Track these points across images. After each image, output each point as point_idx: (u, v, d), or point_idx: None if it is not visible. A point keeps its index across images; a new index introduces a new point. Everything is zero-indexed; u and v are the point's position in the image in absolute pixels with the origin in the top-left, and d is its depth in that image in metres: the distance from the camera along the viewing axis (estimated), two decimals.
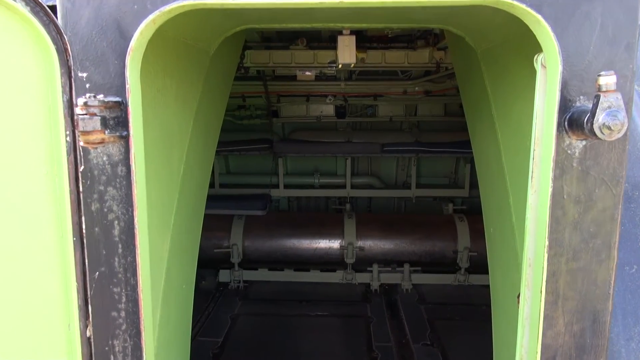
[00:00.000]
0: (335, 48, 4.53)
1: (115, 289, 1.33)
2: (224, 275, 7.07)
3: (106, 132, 1.26)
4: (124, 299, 1.32)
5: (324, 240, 6.79)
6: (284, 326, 5.84)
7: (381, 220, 7.06)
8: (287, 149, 6.87)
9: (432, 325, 5.83)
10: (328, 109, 7.33)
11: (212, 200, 7.14)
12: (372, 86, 6.71)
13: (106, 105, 1.25)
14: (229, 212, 6.87)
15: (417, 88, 6.63)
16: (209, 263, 7.03)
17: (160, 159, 1.91)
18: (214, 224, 6.96)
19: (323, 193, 7.54)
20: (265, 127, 7.52)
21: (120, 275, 1.31)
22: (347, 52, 4.31)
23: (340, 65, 4.79)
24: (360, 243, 6.72)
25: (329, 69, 6.03)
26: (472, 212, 7.47)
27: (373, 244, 6.76)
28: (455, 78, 6.48)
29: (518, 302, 1.37)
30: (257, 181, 7.60)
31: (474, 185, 7.59)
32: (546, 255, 1.21)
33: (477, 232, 6.74)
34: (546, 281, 1.21)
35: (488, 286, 6.84)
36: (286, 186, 7.53)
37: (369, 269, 6.84)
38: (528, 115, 1.94)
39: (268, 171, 7.47)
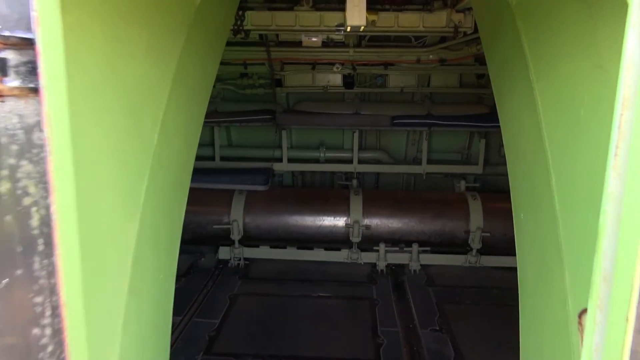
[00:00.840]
0: (343, 9, 4.08)
1: (36, 299, 0.98)
2: (223, 253, 6.77)
3: (11, 82, 0.89)
4: (48, 312, 0.97)
5: (329, 218, 6.45)
6: (284, 307, 5.54)
7: (389, 197, 6.68)
8: (291, 121, 6.44)
9: (441, 310, 5.51)
10: (335, 79, 6.88)
11: (212, 174, 6.81)
12: (382, 53, 6.24)
13: (9, 43, 0.88)
14: (229, 186, 6.52)
15: (431, 56, 6.16)
16: (208, 239, 6.74)
17: (120, 126, 1.54)
18: (213, 198, 6.64)
19: (329, 168, 7.15)
20: (269, 97, 7.10)
21: (42, 281, 0.96)
22: (356, 13, 3.87)
23: (348, 28, 4.35)
24: (366, 221, 6.37)
25: (336, 33, 5.58)
26: (486, 190, 7.07)
27: (380, 222, 6.41)
28: (473, 45, 6.04)
29: (580, 323, 1.02)
30: (260, 154, 7.22)
31: (488, 161, 7.17)
32: (639, 270, 0.85)
33: (491, 211, 6.37)
34: (637, 306, 0.85)
35: (500, 268, 6.56)
36: (290, 160, 7.15)
37: (375, 248, 6.51)
38: (584, 75, 1.53)
39: (271, 144, 7.08)
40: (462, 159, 7.49)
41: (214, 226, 6.48)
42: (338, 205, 6.51)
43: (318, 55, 6.30)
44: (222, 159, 7.29)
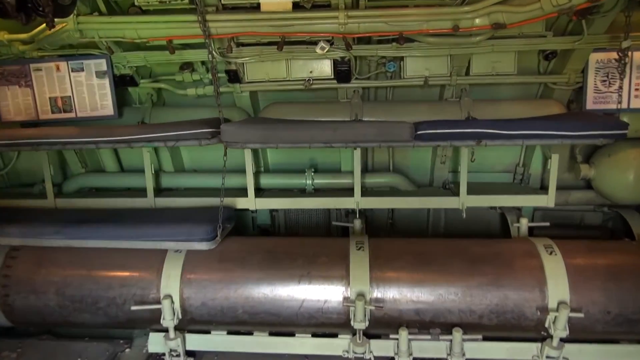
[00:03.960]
0: None
1: None
2: (156, 342, 4.33)
3: None
4: None
5: (317, 287, 4.00)
6: None
7: (412, 250, 4.19)
8: (247, 136, 3.93)
9: None
10: (322, 67, 4.46)
11: (139, 221, 4.42)
12: (395, 21, 3.79)
13: None
14: (156, 245, 4.09)
15: (477, 20, 3.69)
16: (129, 324, 4.32)
17: None
18: (134, 261, 4.22)
19: (319, 203, 4.68)
20: (231, 99, 4.72)
21: None
22: None
23: None
24: (377, 293, 3.92)
25: None
26: (566, 233, 4.59)
27: (399, 295, 3.94)
28: None
29: None
30: (211, 184, 4.83)
31: (565, 186, 4.72)
32: None
33: (582, 272, 3.88)
34: None
35: None
36: (264, 188, 4.75)
37: (392, 336, 4.03)
38: None
39: (240, 166, 4.66)
40: (516, 182, 5.03)
41: (133, 307, 4.06)
42: (331, 266, 4.06)
43: (289, 27, 3.87)
44: (163, 192, 4.91)
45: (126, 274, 4.22)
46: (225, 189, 4.15)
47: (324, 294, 3.98)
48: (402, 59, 4.39)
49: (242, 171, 4.58)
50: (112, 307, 4.21)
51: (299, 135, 3.76)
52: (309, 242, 4.40)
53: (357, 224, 4.56)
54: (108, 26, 3.92)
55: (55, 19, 3.49)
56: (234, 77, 4.42)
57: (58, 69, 4.47)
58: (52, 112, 4.61)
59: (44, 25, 3.87)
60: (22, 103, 4.61)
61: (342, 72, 4.34)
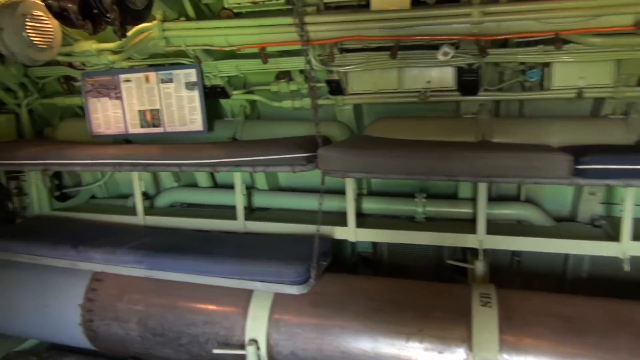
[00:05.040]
0: None
1: None
2: None
3: None
4: None
5: (431, 350, 3.23)
6: None
7: (556, 311, 3.25)
8: (347, 164, 3.18)
9: None
10: (442, 76, 3.64)
11: (225, 254, 3.47)
12: (550, 17, 2.87)
13: None
14: (242, 284, 3.56)
15: None
16: None
17: None
18: (220, 296, 3.75)
19: (431, 239, 3.88)
20: (331, 112, 4.09)
21: None
22: None
23: None
24: None
25: None
26: None
27: None
28: None
29: None
30: (307, 205, 4.24)
31: None
32: None
33: None
34: None
35: None
36: (365, 214, 4.07)
37: None
38: None
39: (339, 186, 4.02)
40: None
41: (215, 350, 3.59)
42: (449, 324, 3.27)
43: (406, 29, 3.12)
44: (255, 212, 4.43)
45: (210, 308, 3.78)
46: (323, 212, 3.50)
47: (439, 359, 3.21)
48: (547, 65, 3.44)
49: (341, 192, 3.94)
50: (195, 345, 3.80)
51: (413, 165, 3.00)
52: (420, 288, 3.63)
53: (480, 267, 3.71)
54: (195, 32, 3.46)
55: (138, 25, 3.12)
56: (336, 87, 3.77)
57: (147, 79, 4.13)
58: (141, 127, 4.28)
59: (132, 32, 3.48)
60: (112, 116, 4.34)
61: (468, 82, 3.49)
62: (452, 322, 3.26)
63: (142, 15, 2.76)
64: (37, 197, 4.85)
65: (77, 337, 4.17)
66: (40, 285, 4.23)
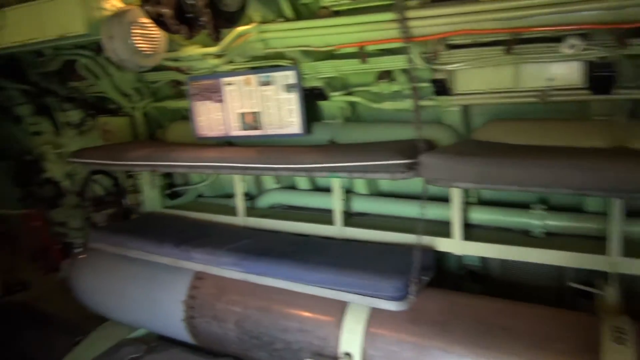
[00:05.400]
0: None
1: None
2: None
3: None
4: None
5: None
6: None
7: None
8: (454, 172, 2.85)
9: None
10: (567, 73, 3.14)
11: (321, 262, 3.35)
12: None
13: None
14: (337, 295, 3.40)
15: None
16: None
17: None
18: (315, 303, 3.64)
19: (551, 258, 3.39)
20: (436, 114, 3.78)
21: None
22: None
23: None
24: None
25: None
26: None
27: None
28: None
29: None
30: (409, 212, 3.97)
31: None
32: None
33: None
34: None
35: None
36: (473, 224, 3.72)
37: None
38: None
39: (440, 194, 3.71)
40: None
41: None
42: (570, 356, 2.83)
43: (525, 20, 2.71)
44: (354, 217, 4.27)
45: (304, 315, 3.69)
46: (426, 220, 3.21)
47: None
48: None
49: (447, 199, 3.62)
50: (288, 352, 3.74)
51: (533, 176, 2.60)
52: (537, 313, 3.20)
53: (611, 294, 3.17)
54: (292, 33, 3.34)
55: (236, 28, 3.07)
56: (442, 87, 3.44)
57: (248, 82, 4.13)
58: (242, 129, 4.31)
59: (231, 36, 3.47)
60: (215, 119, 4.42)
61: (600, 79, 2.98)
62: (575, 359, 2.81)
63: (236, 17, 2.71)
64: (149, 195, 5.13)
65: (180, 332, 4.33)
66: (148, 279, 4.45)
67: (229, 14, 2.63)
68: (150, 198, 5.16)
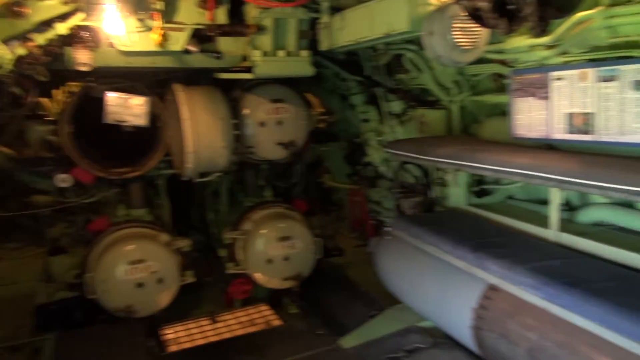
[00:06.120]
0: None
1: None
2: None
3: None
4: None
5: None
6: None
7: None
8: None
9: None
10: None
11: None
12: None
13: None
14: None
15: None
16: None
17: None
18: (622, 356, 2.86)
19: None
20: None
21: None
22: None
23: None
24: None
25: None
26: None
27: None
28: None
29: None
30: None
31: None
32: None
33: None
34: None
35: None
36: None
37: None
38: None
39: None
40: None
41: None
42: None
43: None
44: None
45: None
46: None
47: None
48: None
49: None
50: None
51: None
52: None
53: None
54: None
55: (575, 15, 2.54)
56: None
57: (583, 77, 3.46)
58: (568, 132, 3.68)
59: (568, 23, 2.94)
60: (536, 117, 3.90)
61: None
62: None
63: (570, 5, 2.20)
64: (454, 190, 5.02)
65: (466, 338, 4.14)
66: (442, 276, 4.38)
67: (562, 2, 2.17)
68: (456, 193, 5.05)
